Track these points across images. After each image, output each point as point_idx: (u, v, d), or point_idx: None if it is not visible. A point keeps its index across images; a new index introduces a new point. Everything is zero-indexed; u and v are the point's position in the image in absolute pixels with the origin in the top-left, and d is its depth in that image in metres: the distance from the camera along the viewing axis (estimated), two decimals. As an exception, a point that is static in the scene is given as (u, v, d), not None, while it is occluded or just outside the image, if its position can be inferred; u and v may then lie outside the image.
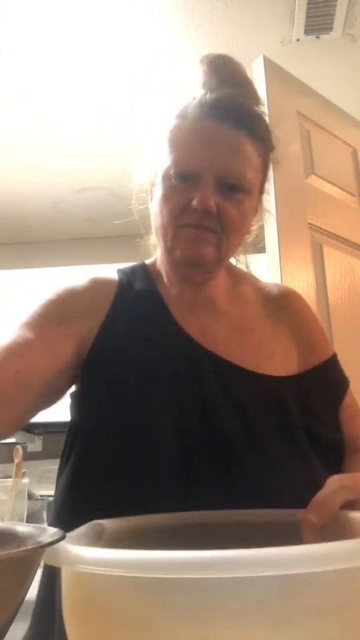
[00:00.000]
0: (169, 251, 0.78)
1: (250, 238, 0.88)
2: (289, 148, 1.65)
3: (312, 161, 1.75)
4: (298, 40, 1.96)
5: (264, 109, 0.81)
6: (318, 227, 1.70)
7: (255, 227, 0.87)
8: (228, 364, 0.77)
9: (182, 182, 0.74)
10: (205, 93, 0.75)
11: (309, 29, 1.91)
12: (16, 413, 0.70)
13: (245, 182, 0.75)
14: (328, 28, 1.91)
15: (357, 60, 2.08)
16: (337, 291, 1.69)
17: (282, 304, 0.89)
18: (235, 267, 0.93)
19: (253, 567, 0.28)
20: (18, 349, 0.70)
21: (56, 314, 0.77)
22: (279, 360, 0.82)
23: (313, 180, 1.74)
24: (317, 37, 1.96)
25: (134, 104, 2.27)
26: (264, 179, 0.82)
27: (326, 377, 0.85)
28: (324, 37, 1.96)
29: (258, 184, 0.79)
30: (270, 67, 1.64)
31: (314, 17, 1.87)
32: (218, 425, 0.72)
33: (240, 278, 0.91)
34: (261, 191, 0.83)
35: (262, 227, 0.93)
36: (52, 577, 0.70)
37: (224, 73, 0.78)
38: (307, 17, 1.86)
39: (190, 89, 0.77)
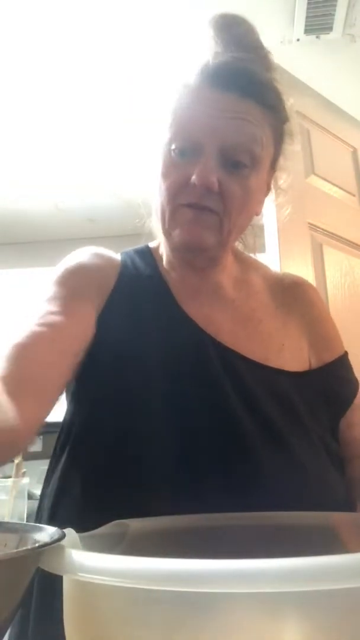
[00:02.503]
0: (167, 234, 0.72)
1: (262, 219, 0.82)
2: (289, 148, 1.65)
3: (312, 161, 1.75)
4: (298, 40, 1.96)
5: (278, 76, 0.73)
6: (318, 227, 1.70)
7: (275, 203, 0.81)
8: (235, 354, 0.72)
9: (181, 157, 0.68)
10: (209, 59, 0.68)
11: (309, 29, 1.91)
12: (54, 387, 0.65)
13: (251, 156, 0.68)
14: (328, 28, 1.91)
15: (357, 60, 2.08)
16: (337, 291, 1.69)
17: (295, 295, 0.84)
18: (243, 253, 0.86)
19: (254, 582, 0.27)
20: (49, 321, 0.66)
21: (73, 287, 0.72)
22: (288, 354, 0.77)
23: (313, 180, 1.74)
24: (317, 37, 1.96)
25: (133, 103, 2.27)
26: (276, 153, 0.75)
27: (339, 375, 0.80)
28: (324, 37, 1.96)
29: (268, 158, 0.72)
30: (270, 67, 1.64)
31: (314, 17, 1.87)
32: (227, 416, 0.66)
33: (249, 265, 0.85)
34: (274, 167, 0.76)
35: (262, 227, 0.88)
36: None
37: (231, 35, 0.71)
38: (307, 17, 1.86)
39: (197, 54, 0.70)
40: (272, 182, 0.78)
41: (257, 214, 0.77)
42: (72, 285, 0.73)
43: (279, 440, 0.67)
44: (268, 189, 0.78)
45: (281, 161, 0.77)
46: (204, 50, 0.71)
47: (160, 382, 0.68)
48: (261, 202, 0.77)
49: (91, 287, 0.73)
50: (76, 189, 2.95)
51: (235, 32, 0.72)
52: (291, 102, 0.76)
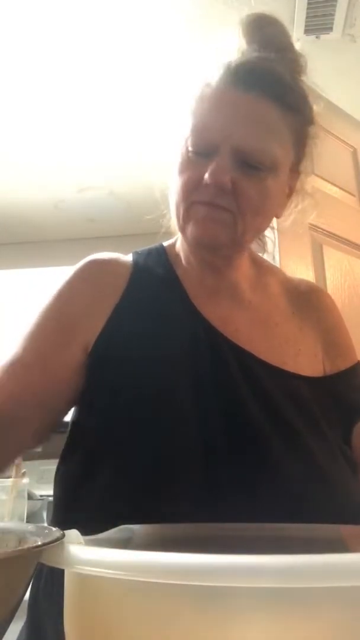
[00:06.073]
0: (182, 229, 0.71)
1: (287, 221, 0.79)
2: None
3: (312, 161, 1.74)
4: (298, 40, 1.95)
5: (306, 78, 0.73)
6: (318, 227, 1.70)
7: (299, 207, 0.80)
8: (251, 357, 0.71)
9: (197, 155, 0.67)
10: (234, 57, 0.68)
11: (309, 29, 1.91)
12: (16, 438, 0.68)
13: (268, 158, 0.67)
14: (328, 28, 1.91)
15: (357, 60, 2.08)
16: (337, 291, 1.69)
17: (310, 301, 0.84)
18: (259, 256, 0.85)
19: (255, 576, 0.27)
20: (14, 370, 0.67)
21: (55, 322, 0.72)
22: (304, 359, 0.76)
23: (313, 180, 1.74)
24: (317, 37, 1.96)
25: (133, 103, 2.27)
26: (298, 155, 0.74)
27: (353, 383, 0.80)
28: (324, 37, 1.96)
29: (288, 161, 0.71)
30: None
31: (314, 17, 1.87)
32: (246, 419, 0.66)
33: (264, 269, 0.85)
34: (296, 169, 0.75)
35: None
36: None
37: (258, 36, 0.71)
38: (307, 17, 1.86)
39: (225, 53, 0.70)
40: (298, 185, 0.77)
41: (278, 216, 0.76)
42: (53, 320, 0.72)
43: (297, 444, 0.67)
44: (290, 192, 0.77)
45: (307, 164, 0.77)
46: (231, 49, 0.70)
47: (175, 383, 0.67)
48: (282, 205, 0.76)
49: (78, 312, 0.72)
50: (76, 189, 2.95)
51: (264, 32, 0.72)
52: (321, 106, 0.75)
